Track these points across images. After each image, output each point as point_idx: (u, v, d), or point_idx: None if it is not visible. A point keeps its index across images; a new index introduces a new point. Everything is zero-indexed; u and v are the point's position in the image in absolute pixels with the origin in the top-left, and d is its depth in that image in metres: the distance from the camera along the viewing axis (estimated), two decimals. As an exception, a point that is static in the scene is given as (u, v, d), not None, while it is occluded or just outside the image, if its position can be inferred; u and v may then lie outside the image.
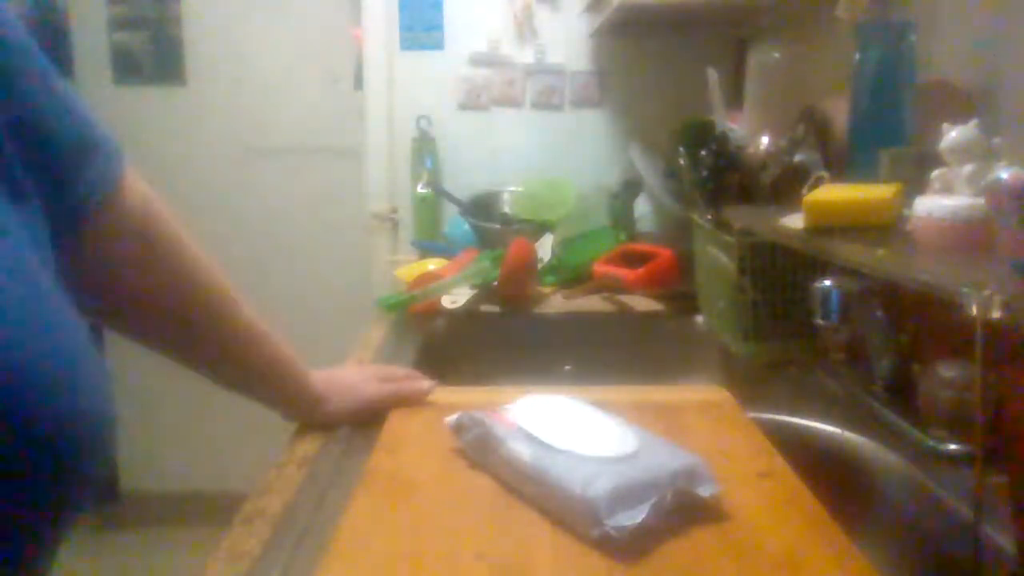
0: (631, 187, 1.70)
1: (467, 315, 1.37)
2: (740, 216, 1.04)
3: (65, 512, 0.41)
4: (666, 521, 0.57)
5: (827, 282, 0.88)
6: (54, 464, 0.38)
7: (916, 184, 0.74)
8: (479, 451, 0.69)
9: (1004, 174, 0.56)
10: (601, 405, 0.72)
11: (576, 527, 0.57)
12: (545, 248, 1.60)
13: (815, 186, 0.91)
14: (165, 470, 2.74)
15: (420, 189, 1.87)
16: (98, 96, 2.54)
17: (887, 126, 0.92)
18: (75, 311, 0.44)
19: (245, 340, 0.73)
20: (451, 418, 0.72)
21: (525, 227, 1.63)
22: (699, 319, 1.33)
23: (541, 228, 1.65)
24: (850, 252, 0.71)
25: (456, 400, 0.83)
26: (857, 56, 0.94)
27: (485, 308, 1.41)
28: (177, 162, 2.57)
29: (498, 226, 1.67)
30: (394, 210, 1.99)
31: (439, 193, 1.84)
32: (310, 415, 0.81)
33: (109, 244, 0.59)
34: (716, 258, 1.13)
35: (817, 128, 1.10)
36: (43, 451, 0.38)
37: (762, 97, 1.33)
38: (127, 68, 2.56)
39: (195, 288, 0.67)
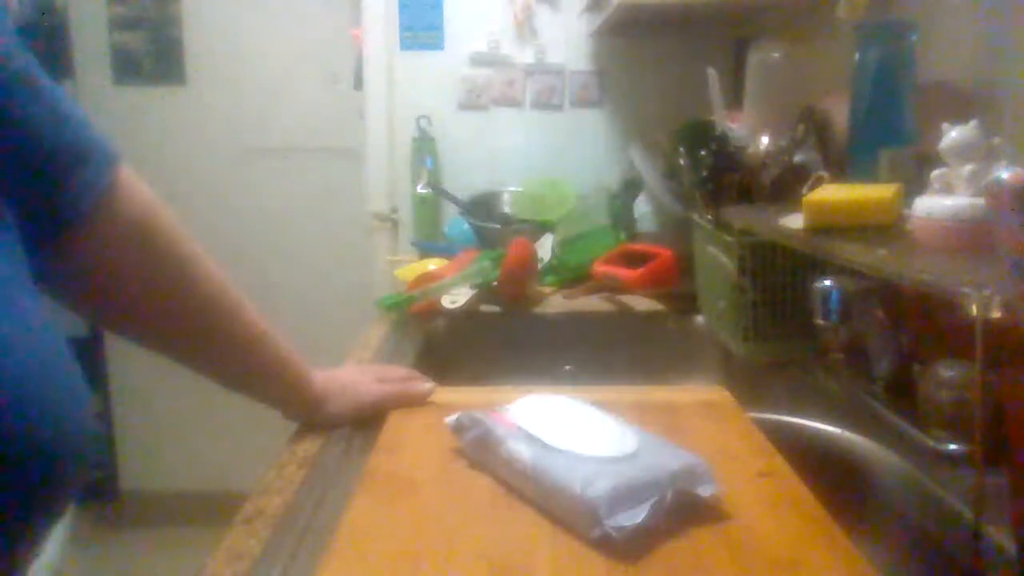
0: (631, 187, 1.70)
1: (467, 315, 1.37)
2: (740, 216, 1.04)
3: (40, 522, 0.41)
4: (666, 521, 0.57)
5: (827, 282, 0.87)
6: (25, 476, 0.38)
7: (916, 184, 0.74)
8: (479, 451, 0.69)
9: (1004, 174, 0.56)
10: (601, 405, 0.72)
11: (576, 527, 0.57)
12: (545, 248, 1.60)
13: (815, 186, 0.91)
14: (165, 470, 2.74)
15: (420, 189, 1.87)
16: (98, 96, 2.55)
17: (887, 126, 0.92)
18: (48, 319, 0.44)
19: (247, 341, 0.73)
20: (451, 418, 0.72)
21: (525, 227, 1.63)
22: (699, 319, 1.33)
23: (541, 228, 1.64)
24: (850, 252, 0.71)
25: (456, 400, 0.83)
26: (857, 56, 0.94)
27: (485, 308, 1.41)
28: (177, 162, 2.58)
29: (498, 226, 1.67)
30: (394, 210, 1.99)
31: (439, 193, 1.84)
32: (311, 415, 0.81)
33: (106, 246, 0.59)
34: (716, 258, 1.13)
35: (817, 128, 1.10)
36: (13, 465, 0.38)
37: (762, 97, 1.33)
38: (127, 68, 2.56)
39: (196, 289, 0.67)
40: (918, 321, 0.86)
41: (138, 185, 0.62)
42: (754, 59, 1.33)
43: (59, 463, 0.40)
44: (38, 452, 0.39)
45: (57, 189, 0.53)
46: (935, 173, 0.70)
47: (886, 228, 0.76)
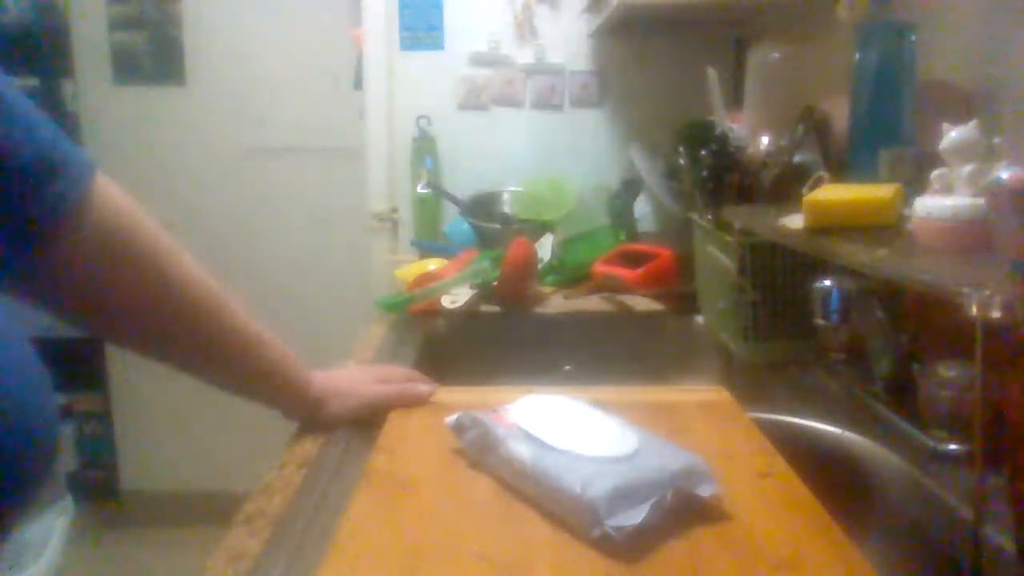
0: (631, 187, 1.70)
1: (467, 315, 1.37)
2: (740, 216, 1.04)
3: (6, 511, 0.41)
4: (666, 521, 0.57)
5: (827, 282, 0.87)
6: None
7: (916, 184, 0.74)
8: (479, 451, 0.69)
9: (1004, 174, 0.56)
10: (601, 405, 0.72)
11: (576, 527, 0.57)
12: (545, 248, 1.60)
13: (815, 186, 0.91)
14: (165, 470, 2.74)
15: (420, 189, 1.87)
16: (98, 96, 2.54)
17: (887, 126, 0.92)
18: (9, 316, 0.44)
19: (239, 344, 0.72)
20: (451, 418, 0.72)
21: (525, 227, 1.63)
22: (699, 319, 1.33)
23: (541, 228, 1.65)
24: (850, 252, 0.71)
25: (456, 400, 0.83)
26: (857, 56, 0.94)
27: (485, 308, 1.41)
28: (177, 162, 2.58)
29: (498, 226, 1.67)
30: (394, 210, 1.99)
31: (439, 193, 1.84)
32: (310, 416, 0.81)
33: (85, 257, 0.60)
34: (716, 258, 1.13)
35: (817, 128, 1.10)
36: None
37: (762, 97, 1.33)
38: (127, 68, 2.56)
39: (182, 294, 0.67)
40: (918, 321, 0.86)
41: (116, 194, 0.62)
42: (754, 59, 1.33)
43: (23, 456, 0.40)
44: (2, 447, 0.39)
45: (28, 202, 0.54)
46: (935, 173, 0.70)
47: (886, 228, 0.76)
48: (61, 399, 2.62)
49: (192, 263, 0.68)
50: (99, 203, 0.60)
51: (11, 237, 0.53)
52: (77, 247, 0.59)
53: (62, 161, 0.56)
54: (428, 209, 1.90)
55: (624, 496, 0.56)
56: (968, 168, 0.66)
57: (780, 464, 0.69)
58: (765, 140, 1.14)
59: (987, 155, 0.66)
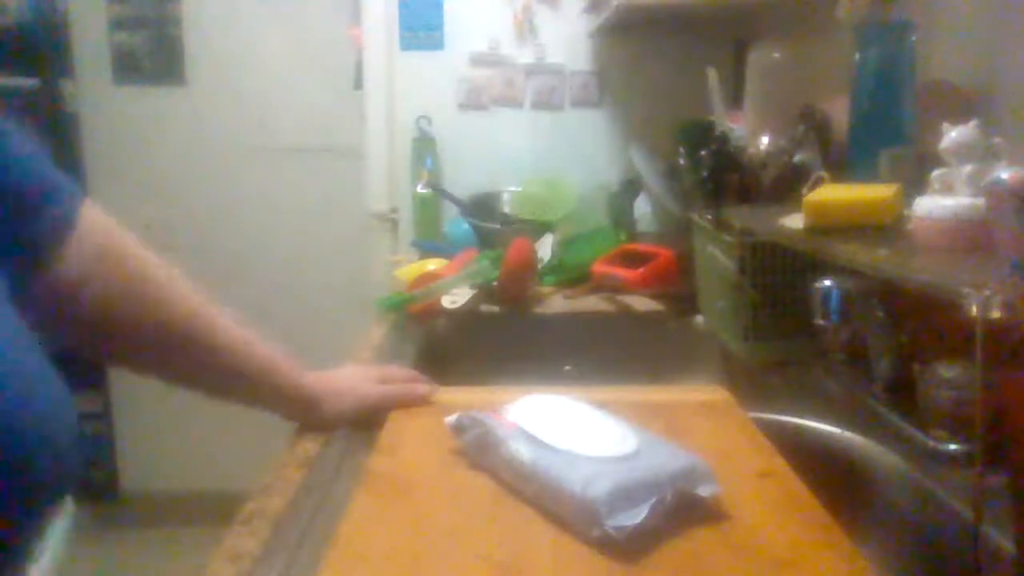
0: (631, 187, 1.70)
1: (467, 315, 1.37)
2: (740, 216, 1.04)
3: (25, 522, 0.41)
4: (666, 521, 0.57)
5: (827, 282, 0.87)
6: (8, 482, 0.39)
7: (916, 184, 0.74)
8: (479, 451, 0.69)
9: (1004, 174, 0.56)
10: (601, 405, 0.72)
11: (576, 527, 0.57)
12: (545, 248, 1.60)
13: (815, 186, 0.91)
14: (165, 470, 2.74)
15: (420, 189, 1.87)
16: (98, 96, 2.55)
17: (887, 126, 0.92)
18: (23, 326, 0.44)
19: (228, 352, 0.73)
20: (451, 418, 0.72)
21: (525, 227, 1.63)
22: (699, 319, 1.33)
23: (541, 228, 1.65)
24: (850, 252, 0.71)
25: (456, 400, 0.83)
26: (857, 56, 0.94)
27: (485, 308, 1.41)
28: (177, 162, 2.58)
29: (498, 226, 1.67)
30: (394, 210, 1.99)
31: (439, 193, 1.84)
32: (306, 417, 0.81)
33: (73, 284, 0.61)
34: (716, 258, 1.13)
35: (817, 128, 1.10)
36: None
37: (762, 97, 1.33)
38: (127, 68, 2.56)
39: (172, 309, 0.68)
40: (918, 321, 0.86)
41: (100, 220, 0.64)
42: (754, 59, 1.33)
43: (42, 467, 0.41)
44: (20, 458, 0.39)
45: (27, 225, 0.54)
46: (935, 173, 0.70)
47: (886, 228, 0.76)
48: (61, 399, 2.63)
49: (179, 280, 0.69)
50: (88, 227, 0.61)
51: (9, 260, 0.53)
52: (69, 270, 0.60)
53: (57, 186, 0.57)
54: (428, 209, 1.90)
55: (624, 496, 0.56)
56: (968, 168, 0.66)
57: (780, 464, 0.69)
58: (765, 140, 1.14)
59: (987, 155, 0.66)
